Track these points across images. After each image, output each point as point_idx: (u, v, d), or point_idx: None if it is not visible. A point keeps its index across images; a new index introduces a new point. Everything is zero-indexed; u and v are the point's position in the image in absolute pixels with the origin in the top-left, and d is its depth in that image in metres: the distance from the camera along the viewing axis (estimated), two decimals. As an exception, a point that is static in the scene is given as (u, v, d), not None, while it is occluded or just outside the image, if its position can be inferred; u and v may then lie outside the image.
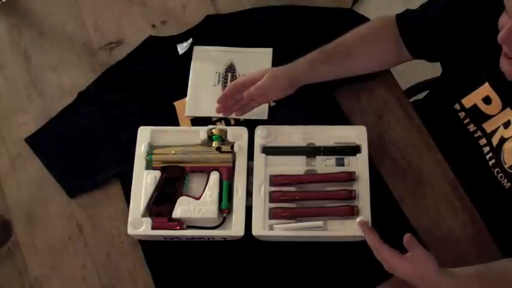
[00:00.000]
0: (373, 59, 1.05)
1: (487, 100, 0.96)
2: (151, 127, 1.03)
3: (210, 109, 1.09)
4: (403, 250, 0.83)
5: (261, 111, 1.06)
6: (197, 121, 1.08)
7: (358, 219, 0.93)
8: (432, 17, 0.99)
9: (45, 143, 1.10)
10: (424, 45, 1.02)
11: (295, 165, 1.00)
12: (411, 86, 1.31)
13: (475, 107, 0.98)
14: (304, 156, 1.01)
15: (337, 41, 1.01)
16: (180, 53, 1.14)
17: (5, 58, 1.18)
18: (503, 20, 0.80)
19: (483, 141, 0.98)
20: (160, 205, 0.98)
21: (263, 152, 1.00)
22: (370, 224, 0.92)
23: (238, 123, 1.07)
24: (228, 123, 1.08)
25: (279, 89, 0.97)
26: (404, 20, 1.03)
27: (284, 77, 0.96)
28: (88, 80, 1.14)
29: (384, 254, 0.84)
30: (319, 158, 1.00)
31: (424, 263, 0.81)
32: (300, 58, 0.99)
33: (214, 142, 1.01)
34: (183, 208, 0.97)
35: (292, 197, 0.98)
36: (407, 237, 0.82)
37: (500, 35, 0.79)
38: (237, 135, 1.02)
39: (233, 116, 1.03)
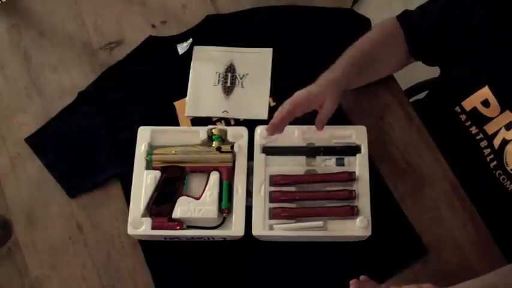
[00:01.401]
0: (392, 63, 1.05)
1: (485, 103, 0.96)
2: (151, 127, 1.03)
3: (210, 109, 1.09)
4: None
5: (261, 111, 1.06)
6: (197, 121, 1.08)
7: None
8: (431, 18, 0.99)
9: (45, 143, 1.10)
10: (423, 47, 1.02)
11: (295, 165, 1.00)
12: (411, 86, 1.31)
13: (475, 109, 0.98)
14: (304, 156, 1.00)
15: (358, 49, 1.00)
16: (180, 53, 1.14)
17: (5, 58, 1.18)
18: None
19: (484, 143, 0.98)
20: (160, 205, 0.98)
21: (263, 152, 1.00)
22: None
23: (238, 123, 1.07)
24: (228, 123, 1.08)
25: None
26: (405, 21, 1.03)
27: (338, 96, 0.95)
28: (88, 80, 1.14)
29: None
30: (319, 158, 1.00)
31: None
32: (335, 71, 0.96)
33: (214, 142, 1.01)
34: (183, 208, 0.97)
35: (292, 197, 0.98)
36: None
37: None
38: (237, 135, 1.02)
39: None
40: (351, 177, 0.97)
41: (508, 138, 0.94)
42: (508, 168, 0.94)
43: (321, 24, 1.15)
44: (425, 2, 1.02)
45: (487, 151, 0.98)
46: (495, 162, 0.96)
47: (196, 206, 0.97)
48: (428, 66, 1.07)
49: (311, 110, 0.93)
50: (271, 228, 0.96)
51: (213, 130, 1.02)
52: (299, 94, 0.93)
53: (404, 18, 1.03)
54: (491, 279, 0.85)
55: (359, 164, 0.99)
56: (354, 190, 0.96)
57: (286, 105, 0.92)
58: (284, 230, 0.95)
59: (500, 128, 0.95)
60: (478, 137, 0.99)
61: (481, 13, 0.93)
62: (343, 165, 0.99)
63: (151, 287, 0.99)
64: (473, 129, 0.99)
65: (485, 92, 0.95)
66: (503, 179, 0.95)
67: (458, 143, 1.02)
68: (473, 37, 0.95)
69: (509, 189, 0.95)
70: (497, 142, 0.96)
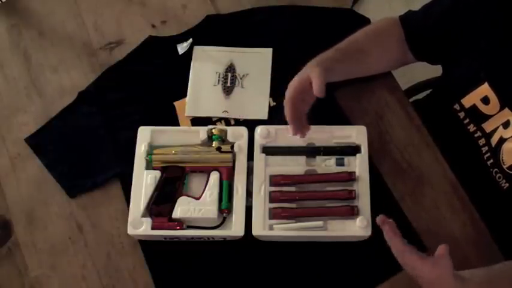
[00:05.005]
0: (383, 59, 1.05)
1: (485, 100, 0.96)
2: (151, 127, 1.03)
3: (210, 109, 1.09)
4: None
5: (261, 111, 1.06)
6: (197, 121, 1.08)
7: (377, 218, 0.88)
8: (434, 17, 0.99)
9: (45, 143, 1.10)
10: (425, 46, 1.02)
11: (295, 165, 1.00)
12: (411, 86, 1.31)
13: (474, 107, 0.98)
14: (304, 156, 1.01)
15: (348, 40, 1.00)
16: (180, 53, 1.14)
17: (5, 58, 1.18)
18: None
19: (482, 141, 0.98)
20: (160, 205, 0.98)
21: (263, 152, 1.00)
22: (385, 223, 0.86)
23: (238, 123, 1.07)
24: (228, 123, 1.08)
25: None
26: (407, 21, 1.03)
27: (321, 69, 0.91)
28: (88, 80, 1.14)
29: (405, 258, 0.82)
30: (319, 158, 1.00)
31: (443, 269, 0.80)
32: (319, 55, 0.96)
33: (214, 142, 1.01)
34: (183, 208, 0.98)
35: (292, 197, 0.98)
36: (442, 249, 0.80)
37: None
38: (237, 135, 1.02)
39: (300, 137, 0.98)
40: (350, 177, 0.97)
41: (505, 136, 0.94)
42: (504, 167, 0.94)
43: (321, 24, 1.15)
44: (430, 1, 1.02)
45: (484, 149, 0.98)
46: (492, 161, 0.97)
47: (196, 206, 0.97)
48: (431, 64, 1.07)
49: (307, 91, 0.90)
50: (271, 228, 0.96)
51: (213, 130, 1.02)
52: (290, 85, 0.93)
53: (407, 18, 1.04)
54: (498, 268, 0.85)
55: (359, 164, 0.99)
56: (354, 190, 0.96)
57: (286, 102, 0.92)
58: (284, 230, 0.95)
59: (498, 127, 0.95)
60: (476, 135, 0.99)
61: (484, 12, 0.93)
62: (343, 165, 0.99)
63: (151, 287, 0.99)
64: (471, 127, 1.00)
65: (485, 89, 0.95)
66: (499, 177, 0.96)
67: (457, 141, 1.03)
68: (476, 35, 0.95)
69: (504, 187, 0.95)
70: (494, 140, 0.96)
